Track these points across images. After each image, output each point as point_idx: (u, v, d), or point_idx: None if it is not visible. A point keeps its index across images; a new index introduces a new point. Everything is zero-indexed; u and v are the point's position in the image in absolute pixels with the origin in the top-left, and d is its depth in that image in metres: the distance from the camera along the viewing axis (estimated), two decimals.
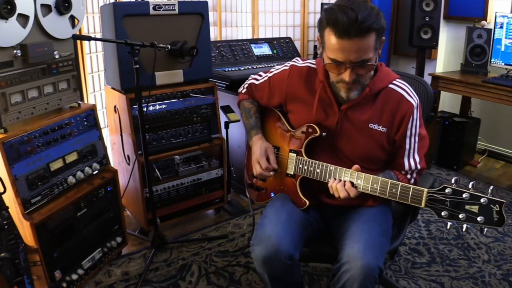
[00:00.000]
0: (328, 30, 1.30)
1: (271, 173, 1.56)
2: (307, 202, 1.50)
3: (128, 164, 2.29)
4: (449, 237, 2.39)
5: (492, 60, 3.00)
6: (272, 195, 1.64)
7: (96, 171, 1.97)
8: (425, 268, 2.12)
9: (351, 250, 1.33)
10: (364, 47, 1.28)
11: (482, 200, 1.17)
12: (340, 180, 1.38)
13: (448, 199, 1.21)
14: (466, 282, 2.01)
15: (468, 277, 2.05)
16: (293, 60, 1.60)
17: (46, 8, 1.73)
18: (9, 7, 1.54)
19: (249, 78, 1.76)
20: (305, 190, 1.53)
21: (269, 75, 1.67)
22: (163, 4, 2.15)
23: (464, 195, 1.19)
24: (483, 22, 3.11)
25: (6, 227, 1.38)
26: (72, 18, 1.86)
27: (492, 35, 2.97)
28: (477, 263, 2.16)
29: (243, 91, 1.78)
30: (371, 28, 1.26)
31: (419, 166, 1.47)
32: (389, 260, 2.16)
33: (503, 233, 2.43)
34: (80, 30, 2.18)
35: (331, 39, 1.29)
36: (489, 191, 1.17)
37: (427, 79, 3.08)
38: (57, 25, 1.78)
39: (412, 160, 1.46)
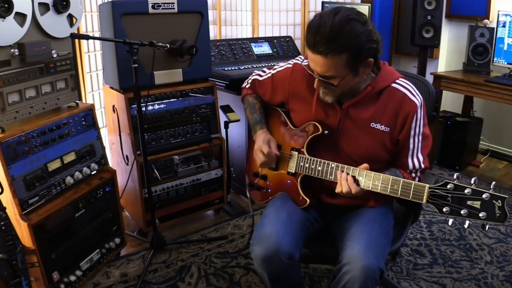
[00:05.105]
0: None
1: (274, 155, 1.54)
2: (308, 200, 1.49)
3: (127, 164, 2.27)
4: (451, 238, 2.36)
5: (495, 59, 2.98)
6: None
7: (95, 172, 1.95)
8: (427, 269, 2.10)
9: (351, 251, 1.31)
10: (329, 65, 1.29)
11: (484, 196, 1.15)
12: (348, 174, 1.35)
13: (450, 195, 1.19)
14: (468, 284, 1.99)
15: (470, 278, 2.03)
16: (297, 58, 1.60)
17: (44, 7, 1.72)
18: (6, 5, 1.53)
19: (253, 74, 1.76)
20: (306, 189, 1.51)
21: (273, 72, 1.67)
22: (162, 3, 2.14)
23: (466, 191, 1.17)
24: (486, 20, 3.09)
25: (3, 228, 1.38)
26: (70, 17, 1.85)
27: (494, 34, 2.95)
28: (479, 264, 2.14)
29: (247, 86, 1.77)
30: (335, 50, 1.25)
31: (422, 166, 1.46)
32: (390, 261, 2.14)
33: (506, 234, 2.41)
34: (78, 29, 2.17)
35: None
36: (491, 187, 1.16)
37: (429, 78, 3.05)
38: (55, 24, 1.77)
39: (416, 160, 1.45)
